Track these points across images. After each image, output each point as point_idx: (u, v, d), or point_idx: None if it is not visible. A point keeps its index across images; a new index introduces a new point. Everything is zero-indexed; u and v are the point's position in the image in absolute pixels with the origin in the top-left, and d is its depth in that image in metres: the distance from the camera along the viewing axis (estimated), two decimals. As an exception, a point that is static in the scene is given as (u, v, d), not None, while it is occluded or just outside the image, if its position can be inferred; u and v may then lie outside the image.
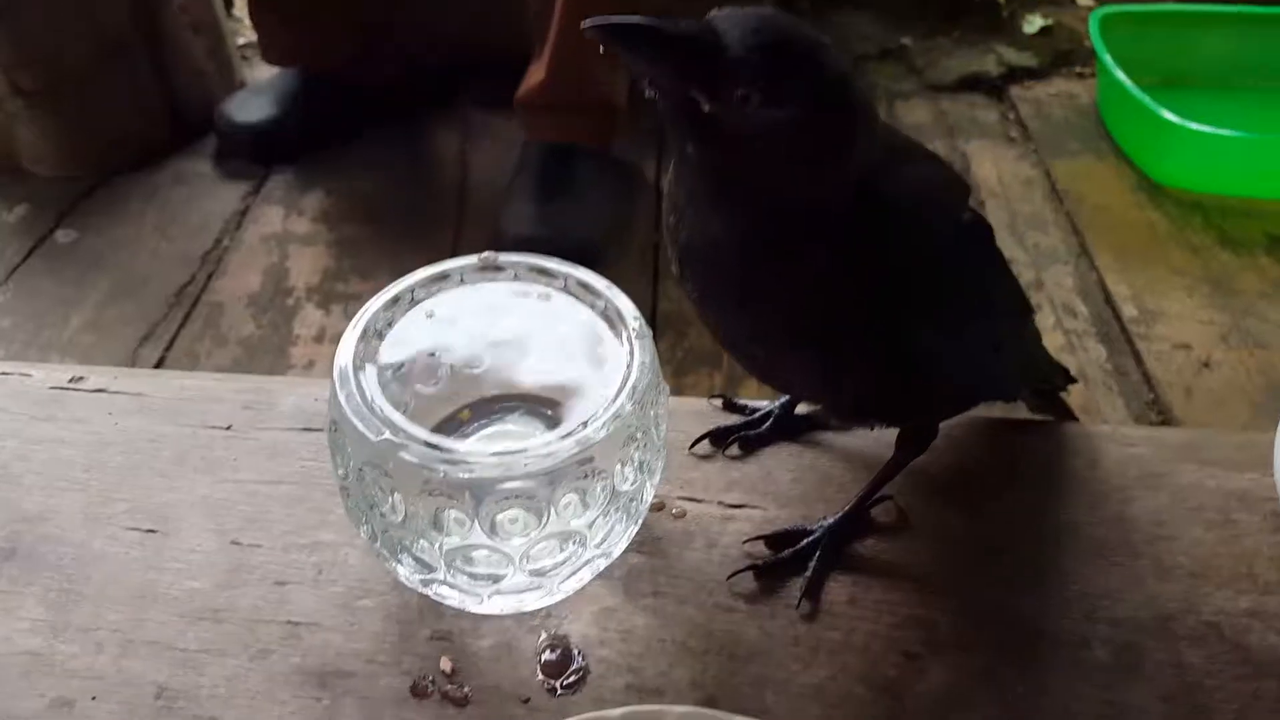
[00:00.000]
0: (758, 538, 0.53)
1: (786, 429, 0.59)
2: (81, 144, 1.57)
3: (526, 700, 0.46)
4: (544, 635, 0.49)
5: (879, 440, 0.57)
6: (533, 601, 0.48)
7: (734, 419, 0.59)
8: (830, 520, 0.53)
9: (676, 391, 1.23)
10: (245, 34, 1.89)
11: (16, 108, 1.53)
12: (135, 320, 1.33)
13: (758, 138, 0.42)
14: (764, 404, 0.60)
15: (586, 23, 0.40)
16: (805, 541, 0.52)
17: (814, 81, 0.42)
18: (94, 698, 0.46)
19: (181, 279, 1.40)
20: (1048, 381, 0.63)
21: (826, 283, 0.45)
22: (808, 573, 0.51)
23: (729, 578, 0.51)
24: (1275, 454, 0.50)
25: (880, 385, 0.49)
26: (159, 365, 1.26)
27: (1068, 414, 0.65)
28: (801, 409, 0.59)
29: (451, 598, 0.46)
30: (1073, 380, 0.64)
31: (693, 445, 0.58)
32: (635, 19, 0.40)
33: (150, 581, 0.51)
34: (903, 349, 0.46)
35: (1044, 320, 1.34)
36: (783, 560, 0.52)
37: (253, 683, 0.47)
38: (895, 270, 0.45)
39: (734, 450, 0.58)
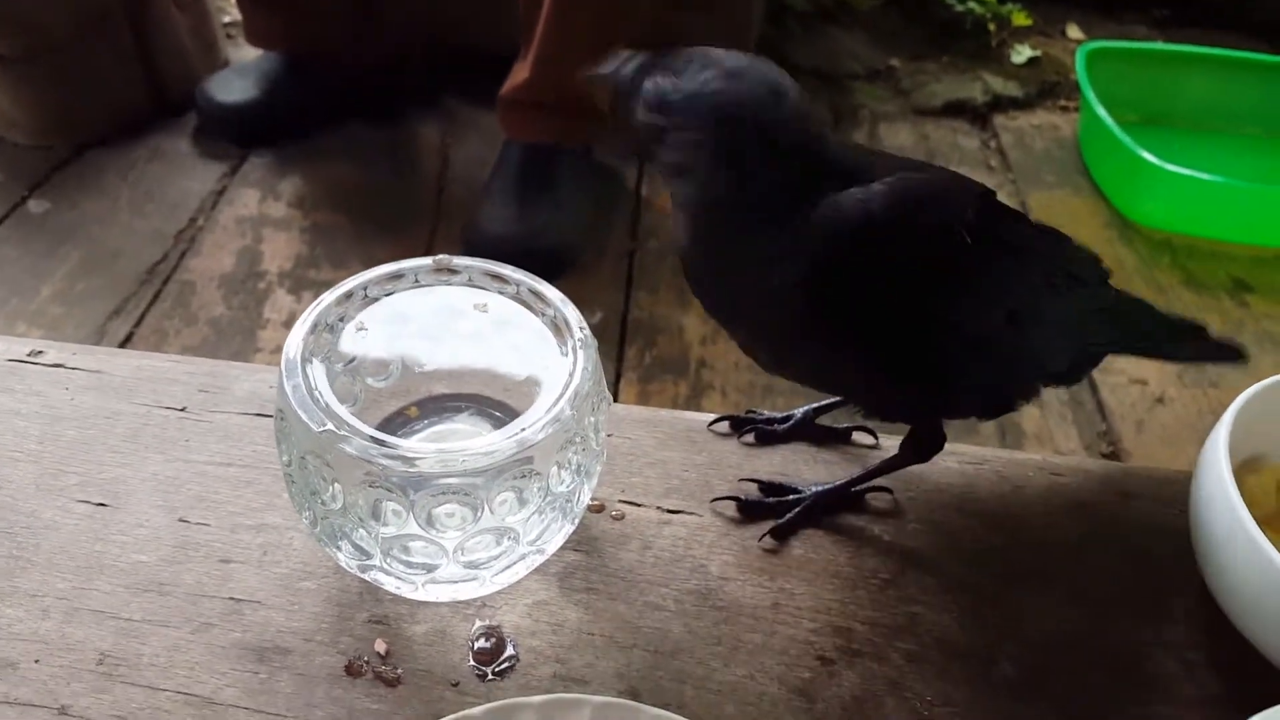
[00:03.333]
0: (753, 480, 0.58)
1: (806, 433, 0.62)
2: (59, 114, 1.57)
3: (456, 684, 0.48)
4: (478, 624, 0.51)
5: (830, 460, 0.61)
6: (467, 592, 0.49)
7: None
8: (820, 489, 0.57)
9: (642, 398, 1.25)
10: (230, 13, 1.90)
11: (-5, 73, 1.53)
12: (105, 294, 1.33)
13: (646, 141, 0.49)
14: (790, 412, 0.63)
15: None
16: (792, 496, 0.57)
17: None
18: (37, 660, 0.48)
19: (154, 256, 1.40)
20: (1149, 340, 0.63)
21: (794, 295, 0.48)
22: (783, 519, 0.56)
23: (712, 501, 0.57)
24: (1191, 492, 0.52)
25: (874, 382, 0.53)
26: (127, 340, 1.27)
27: (1230, 352, 0.63)
28: (824, 420, 0.62)
29: (388, 584, 0.48)
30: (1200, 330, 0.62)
31: (712, 424, 0.61)
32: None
33: (98, 553, 0.53)
34: (883, 347, 0.50)
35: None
36: (766, 504, 0.57)
37: (193, 654, 0.49)
38: (855, 274, 0.48)
39: (749, 438, 0.61)
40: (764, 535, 0.55)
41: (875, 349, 0.50)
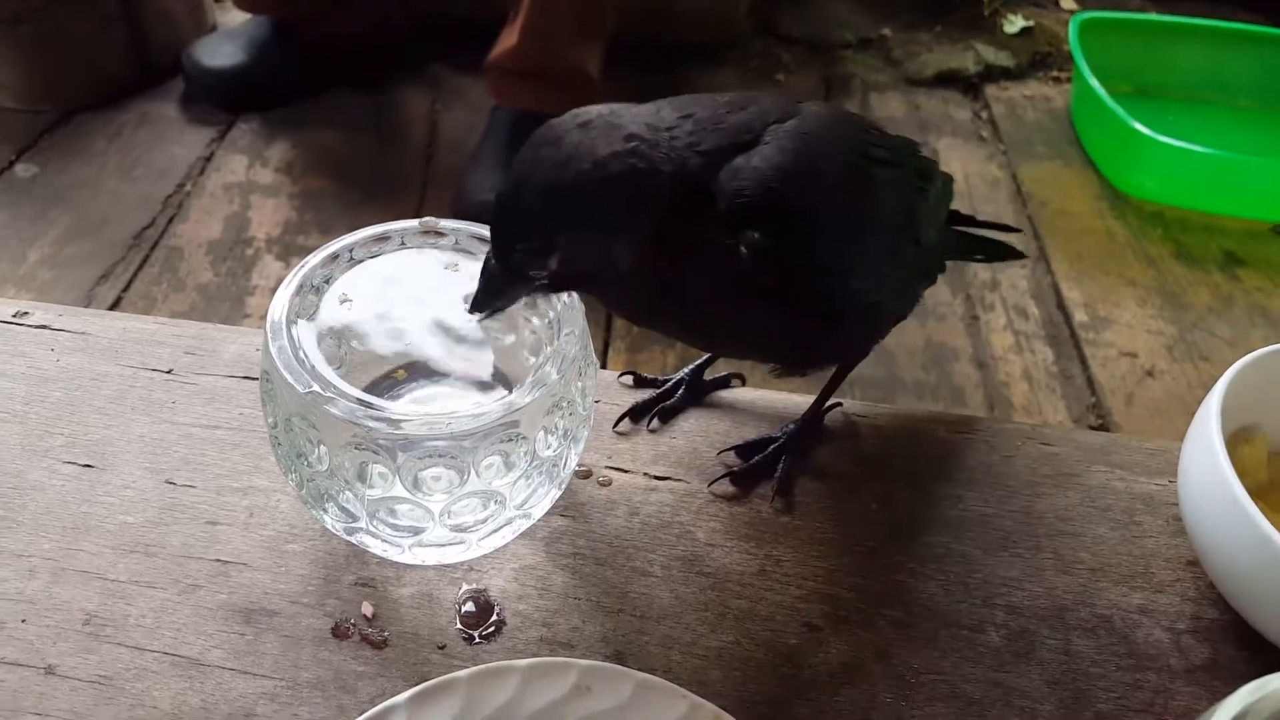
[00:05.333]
0: (729, 449, 0.58)
1: (698, 393, 0.62)
2: (46, 77, 1.56)
3: (442, 647, 0.48)
4: (465, 587, 0.50)
5: (789, 402, 0.62)
6: (453, 555, 0.49)
7: (648, 393, 0.61)
8: (792, 428, 0.58)
9: (631, 366, 1.25)
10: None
11: (-21, 35, 1.51)
12: (93, 260, 1.33)
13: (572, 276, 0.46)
14: (673, 375, 0.62)
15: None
16: (772, 447, 0.57)
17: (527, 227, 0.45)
18: (24, 620, 0.48)
19: (142, 221, 1.39)
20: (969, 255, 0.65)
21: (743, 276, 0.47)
22: (777, 474, 0.56)
23: (709, 485, 0.56)
24: (1181, 462, 0.52)
25: (821, 333, 0.53)
26: (115, 306, 1.26)
27: (1013, 253, 0.66)
28: (709, 374, 0.62)
29: (374, 546, 0.48)
30: (1014, 229, 0.66)
31: (616, 424, 0.59)
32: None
33: (84, 514, 0.52)
34: (815, 311, 0.49)
35: (996, 320, 1.36)
36: (754, 465, 0.57)
37: (180, 615, 0.48)
38: (786, 252, 0.46)
39: (654, 424, 0.60)
40: (773, 499, 0.56)
41: (815, 300, 0.49)
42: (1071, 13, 2.01)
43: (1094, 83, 1.63)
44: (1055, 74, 1.94)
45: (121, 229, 1.38)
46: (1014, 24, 2.04)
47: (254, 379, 0.59)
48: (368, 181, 1.50)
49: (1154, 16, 1.94)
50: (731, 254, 0.46)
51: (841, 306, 0.51)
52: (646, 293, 0.48)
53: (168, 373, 0.60)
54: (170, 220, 1.40)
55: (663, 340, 1.28)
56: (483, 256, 0.50)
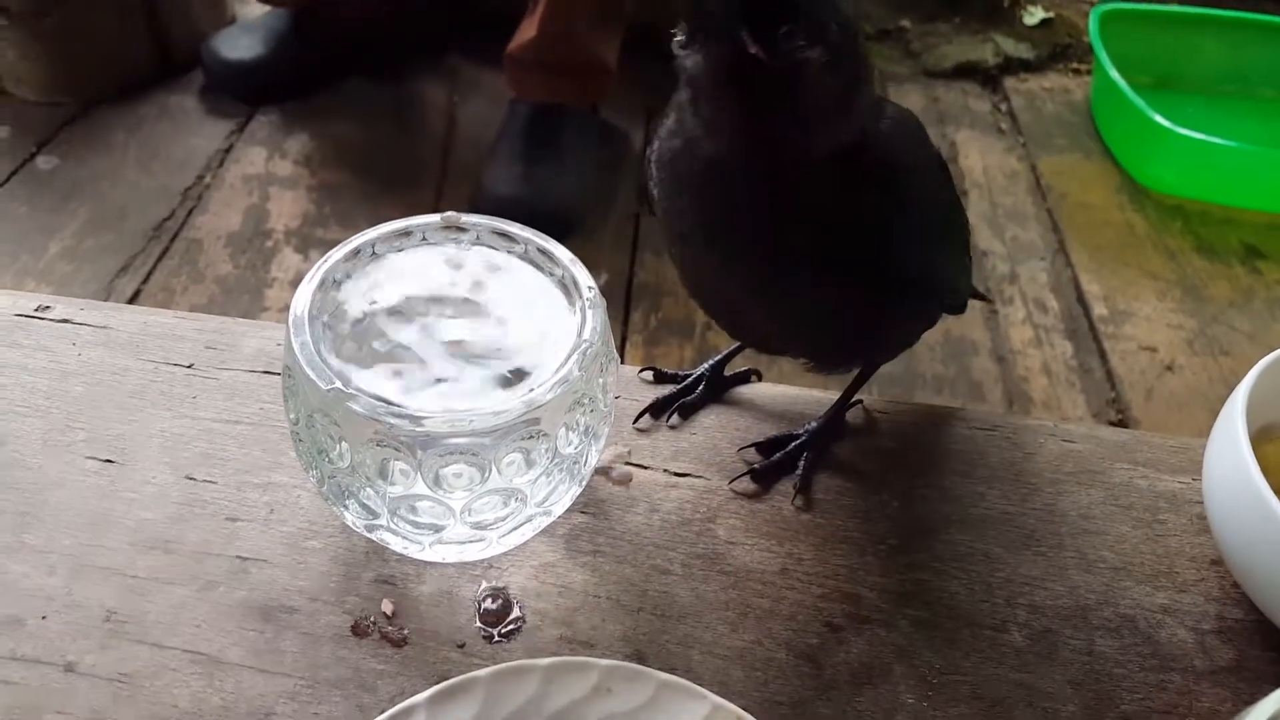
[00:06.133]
0: (750, 445, 0.58)
1: (718, 389, 0.62)
2: (66, 70, 1.56)
3: (462, 645, 0.48)
4: (485, 585, 0.50)
5: (809, 399, 0.62)
6: (474, 553, 0.49)
7: (668, 388, 0.61)
8: (814, 425, 0.58)
9: (648, 361, 1.24)
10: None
11: (0, 28, 1.52)
12: (113, 252, 1.33)
13: (794, 76, 0.43)
14: (694, 370, 0.62)
15: None
16: (793, 445, 0.57)
17: (838, 22, 0.44)
18: (44, 617, 0.48)
19: (161, 213, 1.40)
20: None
21: (840, 209, 0.47)
22: (798, 471, 0.56)
23: (730, 483, 0.56)
24: (1205, 460, 0.52)
25: (868, 315, 0.52)
26: (134, 298, 1.26)
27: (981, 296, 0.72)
28: (729, 370, 0.62)
29: (394, 543, 0.48)
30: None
31: (636, 420, 0.59)
32: None
33: (105, 510, 0.52)
34: (900, 273, 0.50)
35: (1015, 314, 1.36)
36: (775, 462, 0.57)
37: (199, 612, 0.49)
38: (894, 198, 0.48)
39: (674, 419, 0.60)
40: (795, 497, 0.55)
41: (881, 260, 0.49)
42: (1092, 4, 1.99)
43: (1114, 74, 1.61)
44: (1075, 66, 1.92)
45: (141, 221, 1.38)
46: (1034, 15, 2.02)
47: (275, 373, 0.59)
48: (386, 174, 1.50)
49: (1175, 8, 1.92)
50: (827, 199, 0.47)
51: (898, 276, 0.50)
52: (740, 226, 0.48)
53: (188, 367, 0.60)
54: (190, 212, 1.40)
55: (679, 334, 1.28)
56: (507, 252, 0.50)
